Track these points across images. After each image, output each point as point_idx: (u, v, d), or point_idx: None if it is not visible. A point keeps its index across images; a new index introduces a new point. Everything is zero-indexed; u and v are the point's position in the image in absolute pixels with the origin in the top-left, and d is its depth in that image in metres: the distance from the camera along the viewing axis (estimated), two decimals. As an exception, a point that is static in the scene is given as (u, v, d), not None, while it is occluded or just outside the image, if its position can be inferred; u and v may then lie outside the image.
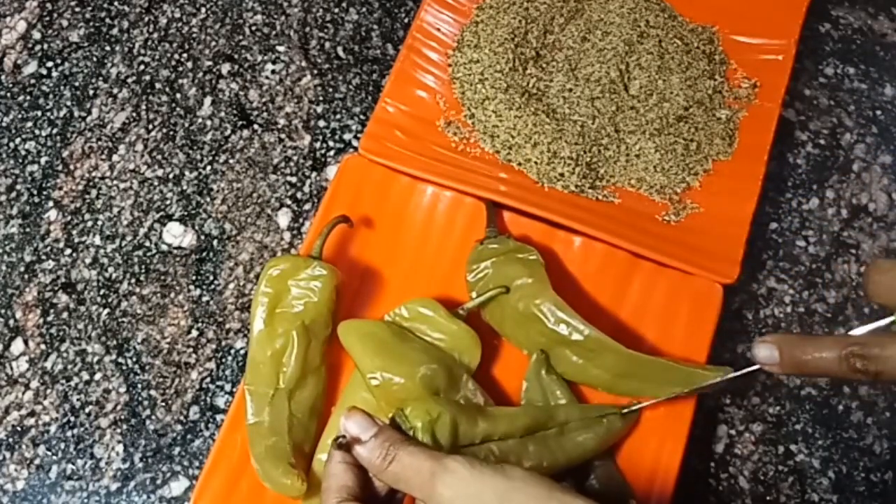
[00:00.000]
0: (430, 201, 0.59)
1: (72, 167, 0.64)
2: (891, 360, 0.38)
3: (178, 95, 0.66)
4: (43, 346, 0.59)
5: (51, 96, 0.66)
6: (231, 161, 0.64)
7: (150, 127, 0.65)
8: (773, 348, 0.42)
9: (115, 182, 0.63)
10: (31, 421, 0.58)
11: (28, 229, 0.62)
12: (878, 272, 0.40)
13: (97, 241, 0.62)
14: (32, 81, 0.66)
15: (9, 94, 0.66)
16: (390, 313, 0.53)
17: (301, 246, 0.61)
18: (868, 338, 0.40)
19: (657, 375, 0.52)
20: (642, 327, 0.56)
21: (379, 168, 0.60)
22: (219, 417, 0.57)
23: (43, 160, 0.64)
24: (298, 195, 0.63)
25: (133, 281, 0.61)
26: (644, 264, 0.57)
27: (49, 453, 0.57)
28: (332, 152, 0.64)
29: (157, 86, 0.66)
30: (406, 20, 0.67)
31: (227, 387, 0.58)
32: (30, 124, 0.65)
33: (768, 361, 0.42)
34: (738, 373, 0.47)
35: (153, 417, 0.57)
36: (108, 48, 0.67)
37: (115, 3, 0.69)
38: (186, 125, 0.65)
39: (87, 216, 0.62)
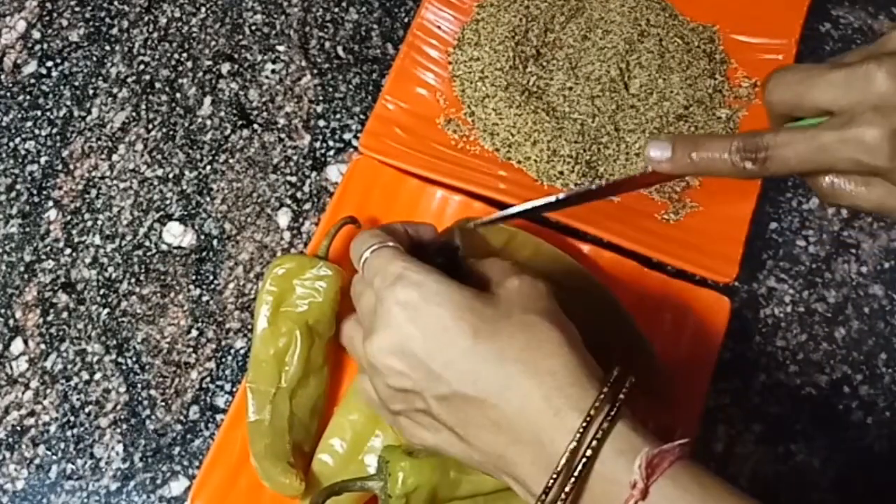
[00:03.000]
0: (439, 205, 0.59)
1: (72, 167, 0.64)
2: (779, 143, 0.39)
3: (178, 95, 0.66)
4: (43, 346, 0.59)
5: (50, 96, 0.66)
6: (231, 161, 0.64)
7: (150, 127, 0.65)
8: (667, 146, 0.41)
9: (114, 182, 0.63)
10: (31, 421, 0.58)
11: (28, 229, 0.62)
12: (783, 72, 0.40)
13: (97, 240, 0.62)
14: (32, 81, 0.66)
15: (9, 94, 0.66)
16: None
17: (308, 246, 0.61)
18: (757, 131, 0.40)
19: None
20: (649, 338, 0.55)
21: (388, 170, 0.60)
22: (218, 417, 0.57)
23: (43, 160, 0.64)
24: (298, 195, 0.62)
25: (133, 281, 0.61)
26: (652, 275, 0.57)
27: (49, 453, 0.57)
28: (332, 152, 0.64)
29: (157, 85, 0.66)
30: (406, 20, 0.67)
31: (227, 386, 0.58)
32: (30, 124, 0.65)
33: (660, 159, 0.42)
34: (628, 176, 0.46)
35: (153, 417, 0.57)
36: (107, 48, 0.67)
37: (115, 3, 0.69)
38: (186, 125, 0.65)
39: (86, 216, 0.62)
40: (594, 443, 0.35)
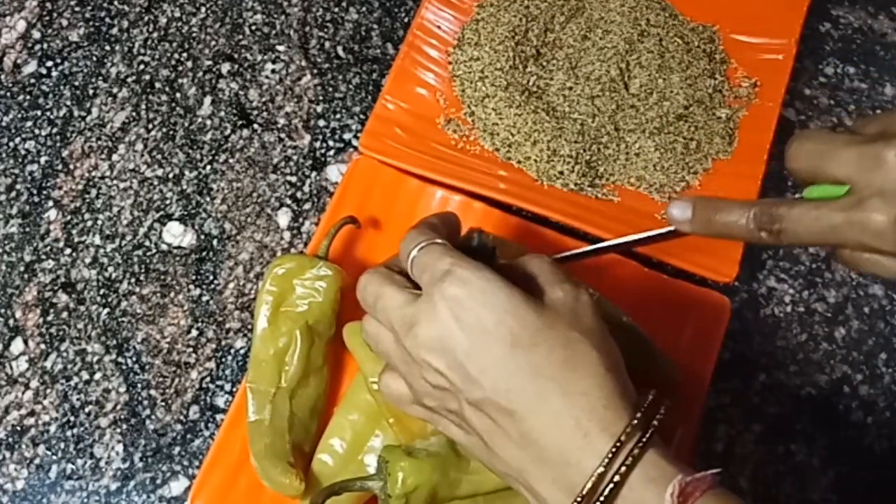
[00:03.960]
0: (439, 205, 0.59)
1: (71, 167, 0.64)
2: (792, 218, 0.40)
3: (178, 95, 0.66)
4: (43, 346, 0.59)
5: (50, 96, 0.66)
6: (231, 161, 0.64)
7: (150, 126, 0.65)
8: (687, 208, 0.43)
9: (114, 182, 0.63)
10: (31, 420, 0.58)
11: (28, 229, 0.62)
12: (802, 139, 0.41)
13: (97, 240, 0.62)
14: (32, 81, 0.66)
15: (9, 94, 0.66)
16: None
17: (308, 246, 0.61)
18: (775, 200, 0.41)
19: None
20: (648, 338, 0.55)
21: (388, 170, 0.60)
22: (218, 417, 0.57)
23: (43, 160, 0.64)
24: (298, 195, 0.62)
25: (133, 280, 0.60)
26: (652, 275, 0.57)
27: (49, 453, 0.57)
28: (332, 152, 0.64)
29: (157, 85, 0.66)
30: (406, 20, 0.67)
31: (227, 386, 0.58)
32: (30, 124, 0.65)
33: (681, 220, 0.43)
34: (649, 233, 0.47)
35: (153, 417, 0.57)
36: (107, 48, 0.67)
37: (115, 3, 0.69)
38: (186, 125, 0.65)
39: (86, 216, 0.62)
40: (623, 468, 0.35)
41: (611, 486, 0.34)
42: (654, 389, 0.38)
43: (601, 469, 0.35)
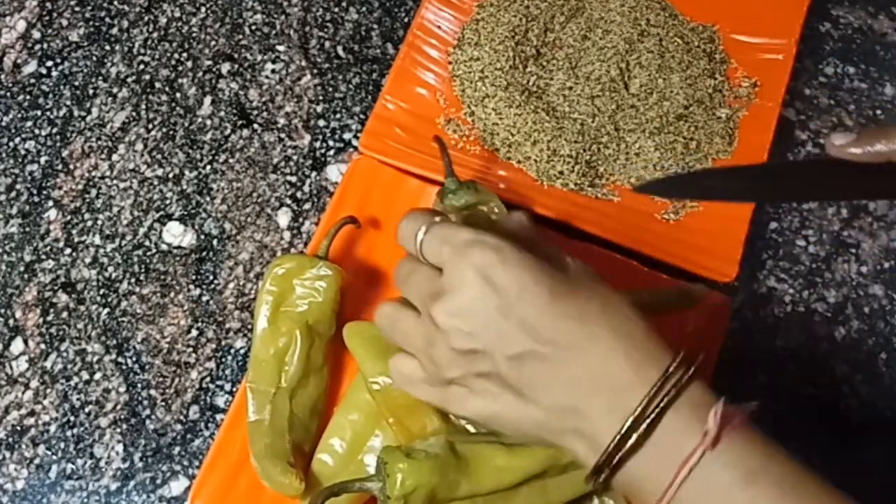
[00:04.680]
0: (439, 205, 0.59)
1: (71, 167, 0.64)
2: None
3: (178, 95, 0.66)
4: (43, 346, 0.59)
5: (50, 96, 0.66)
6: (231, 161, 0.64)
7: (150, 126, 0.65)
8: (851, 133, 0.42)
9: (114, 181, 0.63)
10: (31, 420, 0.58)
11: (28, 229, 0.62)
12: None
13: (97, 240, 0.62)
14: (32, 81, 0.66)
15: (8, 94, 0.66)
16: None
17: (308, 246, 0.61)
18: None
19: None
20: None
21: (388, 170, 0.60)
22: (218, 417, 0.57)
23: (43, 160, 0.64)
24: (298, 195, 0.62)
25: (133, 280, 0.61)
26: (652, 275, 0.57)
27: (49, 453, 0.57)
28: (331, 152, 0.64)
29: (157, 85, 0.66)
30: (406, 19, 0.67)
31: (227, 386, 0.58)
32: (29, 124, 0.65)
33: (843, 142, 0.42)
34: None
35: (153, 417, 0.57)
36: (107, 48, 0.67)
37: (115, 3, 0.69)
38: (186, 125, 0.65)
39: (86, 216, 0.62)
40: (672, 391, 0.37)
41: (660, 407, 0.37)
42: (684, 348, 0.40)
43: (653, 391, 0.37)
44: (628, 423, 0.37)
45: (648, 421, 0.37)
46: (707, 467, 0.36)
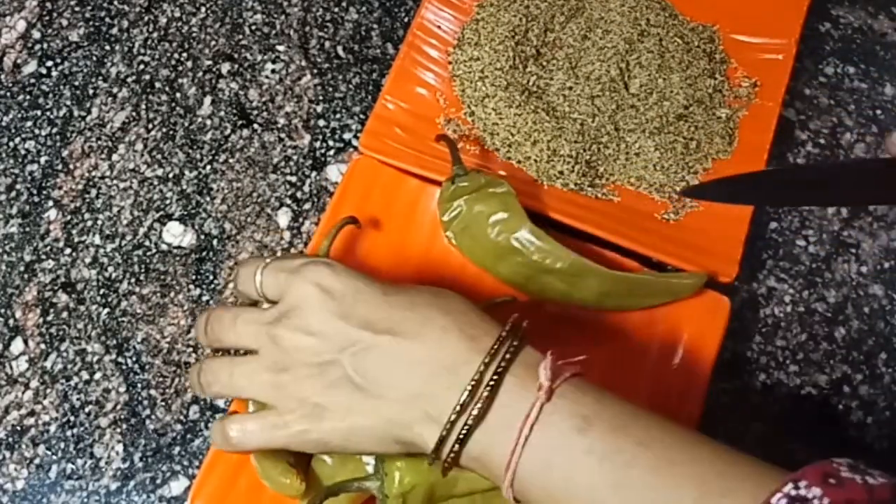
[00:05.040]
0: (440, 204, 0.59)
1: (71, 167, 0.64)
2: None
3: (178, 95, 0.66)
4: (43, 346, 0.59)
5: (50, 96, 0.66)
6: (231, 160, 0.64)
7: (150, 126, 0.65)
8: None
9: (114, 181, 0.63)
10: (31, 420, 0.58)
11: (28, 229, 0.62)
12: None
13: (97, 240, 0.62)
14: (32, 81, 0.66)
15: (8, 94, 0.66)
16: None
17: (308, 246, 0.61)
18: None
19: (640, 289, 0.55)
20: (648, 337, 0.55)
21: (388, 170, 0.60)
22: (218, 417, 0.57)
23: (43, 160, 0.64)
24: (298, 195, 0.62)
25: (133, 280, 0.61)
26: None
27: (49, 453, 0.57)
28: (331, 152, 0.64)
29: (157, 85, 0.66)
30: (406, 19, 0.67)
31: (227, 386, 0.58)
32: (29, 124, 0.65)
33: None
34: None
35: (153, 417, 0.57)
36: (107, 47, 0.67)
37: (115, 3, 0.69)
38: (186, 125, 0.65)
39: (86, 216, 0.62)
40: (508, 356, 0.40)
41: (498, 373, 0.39)
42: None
43: (487, 359, 0.40)
44: (466, 392, 0.39)
45: (488, 389, 0.39)
46: (545, 420, 0.38)
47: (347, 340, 0.41)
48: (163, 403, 0.57)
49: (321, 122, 0.65)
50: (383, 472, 0.44)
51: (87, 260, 0.61)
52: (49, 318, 0.60)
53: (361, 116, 0.65)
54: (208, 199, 0.63)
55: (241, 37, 0.67)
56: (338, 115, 0.65)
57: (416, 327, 0.41)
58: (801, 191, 0.46)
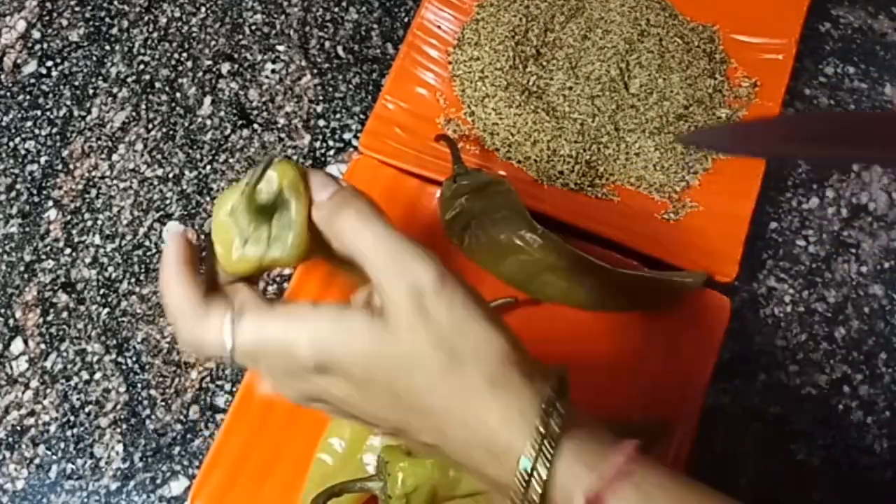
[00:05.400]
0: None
1: (71, 167, 0.64)
2: None
3: (178, 95, 0.66)
4: (43, 346, 0.59)
5: (50, 96, 0.66)
6: (231, 160, 0.64)
7: (150, 126, 0.65)
8: None
9: (114, 181, 0.63)
10: (31, 420, 0.58)
11: (28, 229, 0.62)
12: None
13: (97, 240, 0.62)
14: (32, 81, 0.66)
15: (9, 94, 0.66)
16: None
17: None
18: None
19: (640, 289, 0.55)
20: (648, 337, 0.55)
21: (388, 170, 0.60)
22: (219, 417, 0.57)
23: (43, 160, 0.64)
24: (298, 194, 0.62)
25: (133, 280, 0.60)
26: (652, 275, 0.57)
27: (49, 453, 0.57)
28: (331, 152, 0.64)
29: (157, 85, 0.66)
30: (406, 19, 0.67)
31: (227, 386, 0.58)
32: (29, 124, 0.65)
33: None
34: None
35: (153, 417, 0.57)
36: (107, 47, 0.67)
37: (115, 3, 0.69)
38: (186, 125, 0.65)
39: (86, 215, 0.62)
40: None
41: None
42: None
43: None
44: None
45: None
46: None
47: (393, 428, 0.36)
48: (163, 403, 0.57)
49: (321, 122, 0.65)
50: (386, 473, 0.44)
51: (87, 260, 0.61)
52: (49, 318, 0.60)
53: (361, 116, 0.65)
54: (208, 199, 0.63)
55: (241, 37, 0.67)
56: (338, 115, 0.65)
57: (436, 436, 0.35)
58: (812, 143, 0.38)
